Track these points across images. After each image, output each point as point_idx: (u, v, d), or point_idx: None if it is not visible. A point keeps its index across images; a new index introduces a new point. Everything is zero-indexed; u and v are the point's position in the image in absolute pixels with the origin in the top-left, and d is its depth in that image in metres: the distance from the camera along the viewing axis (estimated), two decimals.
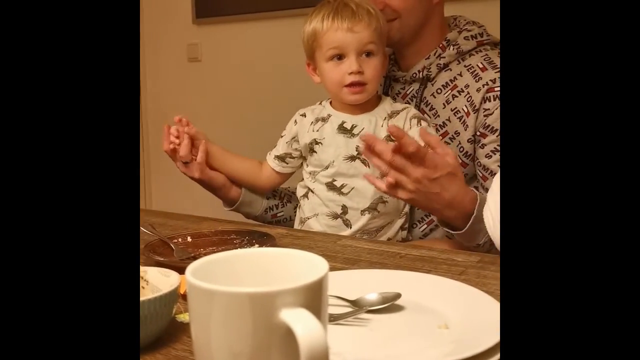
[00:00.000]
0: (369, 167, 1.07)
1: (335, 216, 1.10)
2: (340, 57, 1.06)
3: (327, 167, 1.10)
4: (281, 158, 1.18)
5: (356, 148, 1.08)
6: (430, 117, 1.15)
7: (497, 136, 1.07)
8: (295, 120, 1.16)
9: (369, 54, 1.06)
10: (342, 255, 0.82)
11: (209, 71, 2.44)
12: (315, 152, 1.12)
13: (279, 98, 2.25)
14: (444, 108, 1.13)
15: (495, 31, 1.20)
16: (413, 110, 1.12)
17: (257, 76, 2.32)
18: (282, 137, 1.19)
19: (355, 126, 1.09)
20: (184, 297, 0.52)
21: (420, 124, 1.09)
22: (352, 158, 1.08)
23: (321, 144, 1.11)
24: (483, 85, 1.08)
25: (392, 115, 1.10)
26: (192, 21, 2.41)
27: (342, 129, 1.10)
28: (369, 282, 0.65)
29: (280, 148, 1.18)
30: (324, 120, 1.12)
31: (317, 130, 1.12)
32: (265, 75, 2.30)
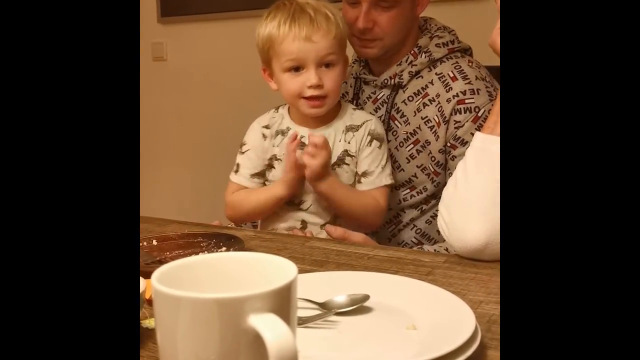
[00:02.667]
0: None
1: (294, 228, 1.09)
2: (297, 68, 1.01)
3: None
4: (261, 174, 1.11)
5: None
6: (400, 125, 1.15)
7: (467, 148, 1.08)
8: (264, 135, 1.10)
9: (328, 64, 1.02)
10: (310, 257, 0.82)
11: (175, 71, 2.41)
12: (274, 167, 1.09)
13: (246, 98, 2.24)
14: (414, 116, 1.13)
15: (464, 34, 1.22)
16: (371, 125, 1.08)
17: (223, 76, 2.30)
18: (245, 152, 1.11)
19: None
20: (150, 302, 0.51)
21: (371, 144, 1.07)
22: None
23: (281, 160, 1.08)
24: (453, 97, 1.09)
25: (350, 129, 1.07)
26: (157, 20, 2.37)
27: (301, 144, 1.06)
28: (337, 284, 0.65)
29: (257, 165, 1.11)
30: (283, 133, 1.09)
31: (277, 146, 1.09)
32: (232, 76, 2.28)
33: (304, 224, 1.08)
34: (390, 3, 1.08)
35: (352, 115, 1.09)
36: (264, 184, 1.12)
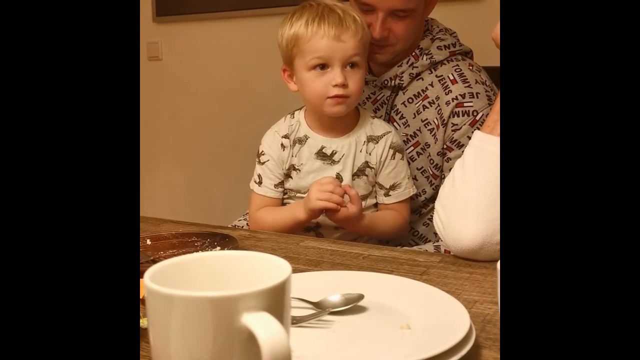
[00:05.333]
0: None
1: (308, 229, 1.08)
2: (323, 66, 1.00)
3: (305, 192, 1.05)
4: (282, 184, 1.10)
5: (336, 175, 1.05)
6: (400, 126, 1.14)
7: (462, 151, 1.08)
8: (283, 145, 1.08)
9: (353, 65, 1.01)
10: (305, 257, 0.82)
11: (170, 70, 2.40)
12: (291, 177, 1.08)
13: (241, 98, 2.24)
14: (414, 118, 1.13)
15: (464, 34, 1.22)
16: (391, 137, 1.07)
17: (219, 76, 2.30)
18: (264, 163, 1.09)
19: (336, 152, 1.05)
20: (143, 301, 0.51)
21: (394, 157, 1.07)
22: None
23: (299, 170, 1.07)
24: (452, 99, 1.09)
25: (371, 139, 1.06)
26: (152, 19, 2.36)
27: (321, 154, 1.05)
28: (331, 284, 0.65)
29: (278, 174, 1.09)
30: (300, 142, 1.07)
31: (295, 155, 1.07)
32: (227, 75, 2.28)
33: (318, 224, 1.08)
34: (407, 13, 1.08)
35: (372, 125, 1.08)
36: (285, 193, 1.11)
